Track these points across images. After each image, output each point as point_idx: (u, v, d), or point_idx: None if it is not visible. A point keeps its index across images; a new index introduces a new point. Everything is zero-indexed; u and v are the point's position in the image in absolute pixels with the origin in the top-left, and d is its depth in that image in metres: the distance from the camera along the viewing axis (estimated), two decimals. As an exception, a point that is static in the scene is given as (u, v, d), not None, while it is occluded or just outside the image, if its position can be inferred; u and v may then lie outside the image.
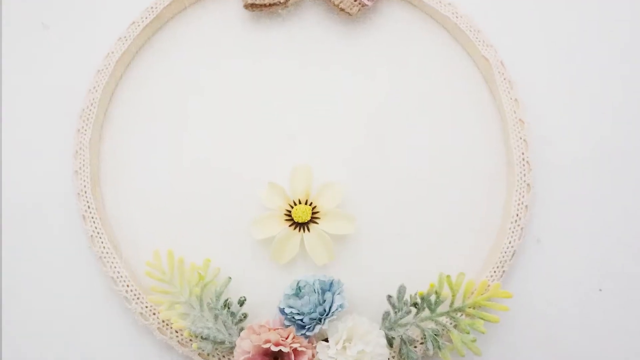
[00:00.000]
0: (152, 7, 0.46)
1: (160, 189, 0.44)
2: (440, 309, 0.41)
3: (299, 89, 0.46)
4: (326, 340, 0.40)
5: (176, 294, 0.41)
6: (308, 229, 0.42)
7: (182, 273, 0.41)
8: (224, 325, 0.40)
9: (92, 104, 0.45)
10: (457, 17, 0.45)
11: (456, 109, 0.45)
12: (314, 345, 0.40)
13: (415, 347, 0.41)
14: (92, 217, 0.43)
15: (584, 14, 0.46)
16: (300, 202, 0.42)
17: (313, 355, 0.39)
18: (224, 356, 0.41)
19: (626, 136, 0.44)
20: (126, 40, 0.46)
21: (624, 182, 0.44)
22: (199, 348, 0.40)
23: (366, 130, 0.45)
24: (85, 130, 0.44)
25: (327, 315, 0.39)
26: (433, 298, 0.41)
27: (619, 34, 0.46)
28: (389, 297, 0.41)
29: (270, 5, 0.45)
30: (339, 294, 0.40)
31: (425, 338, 0.40)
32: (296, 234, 0.42)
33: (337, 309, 0.39)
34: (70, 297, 0.43)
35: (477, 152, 0.45)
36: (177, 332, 0.41)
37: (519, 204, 0.43)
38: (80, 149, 0.44)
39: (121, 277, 0.42)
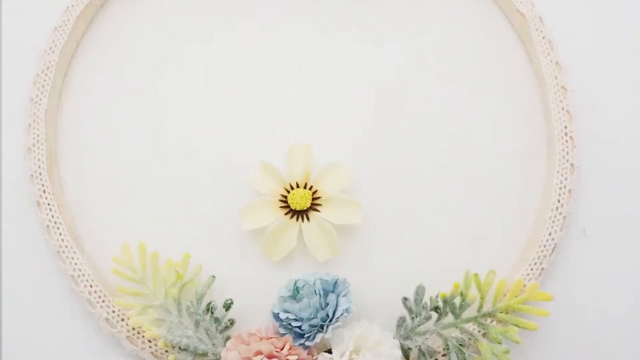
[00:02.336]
0: (120, -49, 0.46)
1: (131, 171, 0.43)
2: (466, 314, 0.40)
3: (297, 54, 0.45)
4: (329, 351, 0.39)
5: (149, 296, 0.40)
6: (307, 218, 0.41)
7: (157, 271, 0.41)
8: (207, 333, 0.40)
9: (48, 68, 0.44)
10: (486, -36, 0.45)
11: (485, 74, 0.45)
12: (314, 357, 0.39)
13: (436, 359, 0.40)
14: (49, 204, 0.42)
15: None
16: (298, 186, 0.41)
17: (313, 370, 0.39)
18: (206, 370, 0.40)
19: (687, 107, 0.44)
20: (89, -9, 0.45)
21: (685, 161, 0.44)
22: (176, 361, 0.40)
23: (377, 101, 0.44)
24: (40, 100, 0.43)
25: (330, 321, 0.39)
26: (458, 301, 0.40)
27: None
28: (405, 299, 0.40)
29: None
30: (344, 296, 0.39)
31: (448, 349, 0.39)
32: (293, 224, 0.41)
33: (342, 314, 0.39)
34: (22, 300, 0.42)
35: (510, 126, 0.44)
36: (150, 341, 0.41)
37: (560, 188, 0.42)
38: (34, 121, 0.43)
39: (83, 275, 0.41)
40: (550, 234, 0.41)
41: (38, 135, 0.43)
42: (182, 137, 0.44)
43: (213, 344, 0.39)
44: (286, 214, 0.41)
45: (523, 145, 0.43)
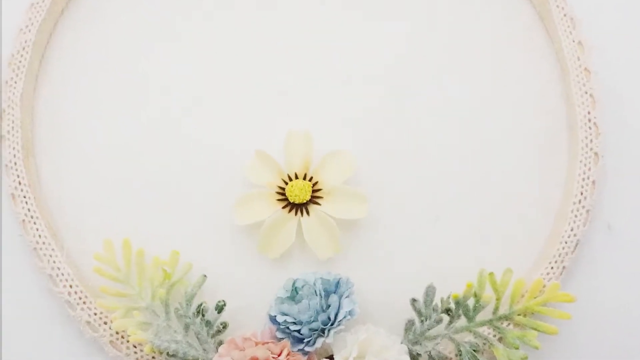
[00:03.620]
0: None
1: (114, 160, 0.43)
2: (480, 317, 0.40)
3: (295, 31, 0.45)
4: (331, 357, 0.39)
5: (134, 297, 0.40)
6: (307, 212, 0.41)
7: (142, 270, 0.40)
8: (197, 338, 0.39)
9: (23, 48, 0.43)
10: None
11: (501, 55, 0.44)
12: (315, 364, 0.39)
13: (447, 366, 0.40)
14: (24, 196, 0.42)
15: None
16: (297, 177, 0.41)
17: (314, 377, 0.39)
18: (197, 377, 0.41)
19: None
20: (69, -37, 0.45)
21: None
22: (164, 368, 0.40)
23: (383, 84, 0.44)
24: (15, 83, 0.43)
25: (332, 324, 0.38)
26: (471, 302, 0.40)
27: None
28: (414, 301, 0.40)
29: None
30: (347, 297, 0.39)
31: (460, 355, 0.39)
32: (292, 218, 0.41)
33: (345, 317, 0.38)
34: (-4, 301, 0.43)
35: (528, 112, 0.44)
36: (135, 346, 0.40)
37: (583, 179, 0.41)
38: (9, 106, 0.43)
39: (62, 274, 0.41)
40: (572, 229, 0.41)
41: (13, 122, 0.42)
42: (171, 124, 0.43)
43: (204, 350, 0.39)
44: (284, 207, 0.40)
45: (542, 132, 0.43)
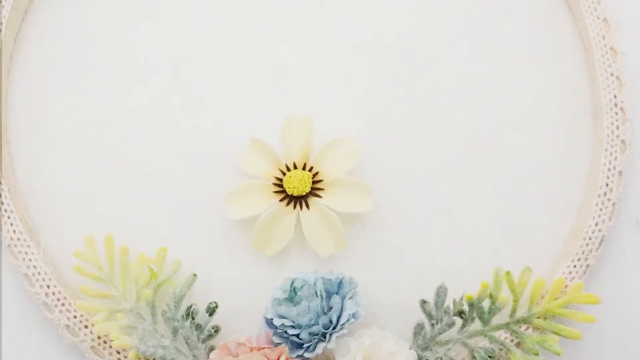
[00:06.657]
0: None
1: (96, 149, 0.43)
2: (496, 320, 0.40)
3: (294, 7, 0.44)
4: None
5: (118, 299, 0.40)
6: (307, 206, 0.41)
7: (126, 268, 0.40)
8: (187, 343, 0.39)
9: None
10: None
11: (520, 34, 0.44)
12: (315, 371, 0.38)
13: (460, 373, 0.39)
14: None
15: None
16: (295, 167, 0.41)
17: (314, 386, 0.39)
18: (186, 386, 0.40)
19: None
20: None
21: None
22: (150, 375, 0.39)
23: (389, 65, 0.44)
24: None
25: (334, 328, 0.38)
26: (486, 304, 0.39)
27: None
28: (424, 302, 0.39)
29: None
30: (350, 298, 0.39)
31: None
32: (290, 212, 0.41)
33: (348, 320, 0.38)
34: (-33, 303, 0.42)
35: (549, 96, 0.43)
36: (119, 352, 0.40)
37: (609, 169, 0.41)
38: None
39: (39, 273, 0.41)
40: (596, 224, 0.41)
41: (-16, 107, 0.41)
42: (157, 108, 0.43)
43: (194, 356, 0.39)
44: (281, 200, 0.40)
45: (564, 118, 0.43)
